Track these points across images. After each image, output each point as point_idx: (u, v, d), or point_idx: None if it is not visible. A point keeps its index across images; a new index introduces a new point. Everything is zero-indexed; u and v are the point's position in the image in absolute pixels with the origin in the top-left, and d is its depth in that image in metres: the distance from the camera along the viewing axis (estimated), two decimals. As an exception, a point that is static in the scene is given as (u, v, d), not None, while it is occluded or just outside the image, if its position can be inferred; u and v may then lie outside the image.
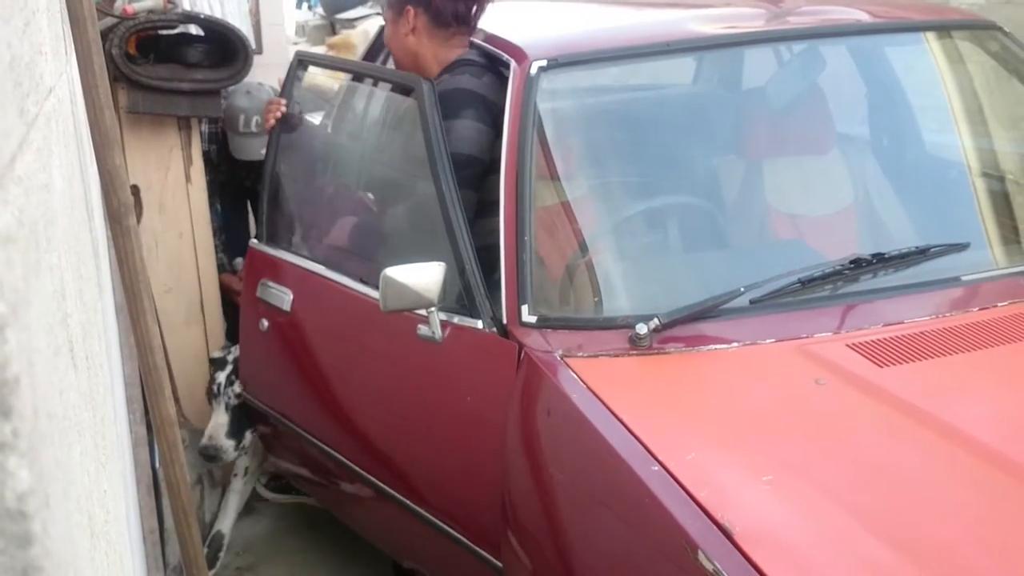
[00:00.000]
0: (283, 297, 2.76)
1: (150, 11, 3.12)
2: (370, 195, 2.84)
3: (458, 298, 2.18)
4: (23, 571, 0.52)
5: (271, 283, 2.83)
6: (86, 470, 0.82)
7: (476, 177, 2.39)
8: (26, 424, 0.53)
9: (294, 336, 2.77)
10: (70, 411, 0.75)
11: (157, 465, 2.44)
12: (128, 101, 3.08)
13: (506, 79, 2.37)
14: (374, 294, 2.13)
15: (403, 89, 2.60)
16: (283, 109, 2.88)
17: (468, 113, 2.41)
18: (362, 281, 2.48)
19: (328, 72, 3.29)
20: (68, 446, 0.71)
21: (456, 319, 2.16)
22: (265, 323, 2.82)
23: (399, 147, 2.66)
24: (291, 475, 3.18)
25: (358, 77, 3.07)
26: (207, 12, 4.07)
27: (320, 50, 6.88)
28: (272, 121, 2.90)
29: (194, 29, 3.30)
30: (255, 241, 2.98)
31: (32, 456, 0.52)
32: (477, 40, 2.62)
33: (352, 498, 2.75)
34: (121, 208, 1.85)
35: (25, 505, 0.52)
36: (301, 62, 3.03)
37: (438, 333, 2.09)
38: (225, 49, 3.24)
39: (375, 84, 3.00)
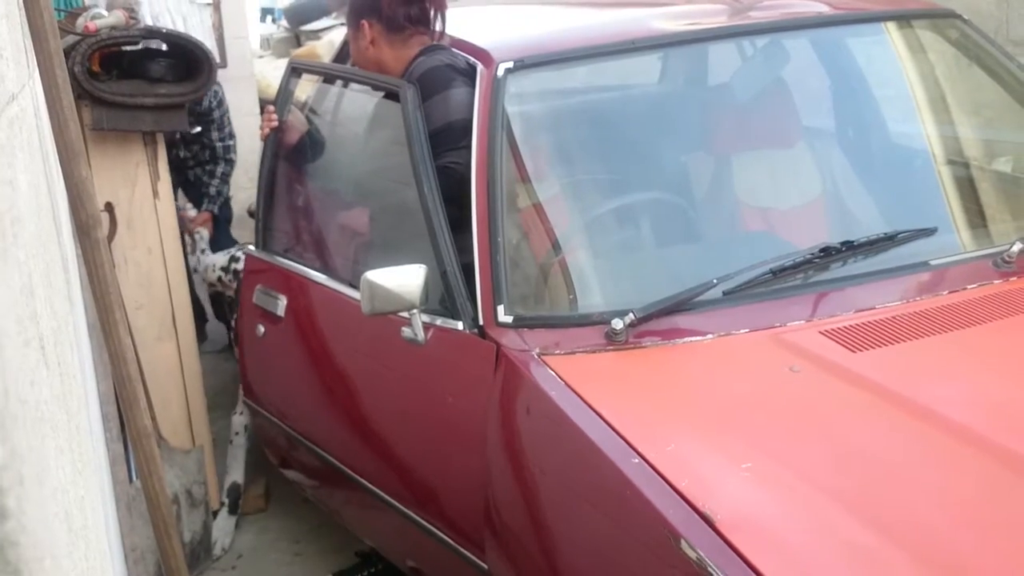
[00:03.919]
0: (277, 302, 2.79)
1: (112, 27, 3.10)
2: (355, 199, 2.85)
3: (441, 300, 2.18)
4: (-1, 545, 0.51)
5: (266, 289, 2.84)
6: (61, 467, 0.81)
7: None
8: (-3, 401, 0.52)
9: (288, 341, 2.78)
10: (42, 405, 0.75)
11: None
12: (92, 118, 3.06)
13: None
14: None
15: (388, 94, 2.61)
16: (275, 119, 2.89)
17: (458, 83, 2.44)
18: (350, 285, 2.48)
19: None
20: (41, 436, 0.70)
21: (439, 321, 2.17)
22: (261, 329, 2.84)
23: (384, 152, 2.68)
24: (292, 479, 3.18)
25: (345, 83, 3.07)
26: (170, 27, 4.06)
27: (285, 63, 6.83)
28: (267, 130, 2.90)
29: (157, 44, 3.29)
30: (251, 248, 3.00)
31: (4, 433, 0.51)
32: (443, 44, 2.62)
33: (349, 500, 2.76)
34: (89, 220, 1.84)
35: (-1, 479, 0.52)
36: (295, 70, 3.03)
37: (420, 335, 2.10)
38: (189, 63, 3.23)
39: (345, 86, 3.00)
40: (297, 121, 2.96)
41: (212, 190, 4.15)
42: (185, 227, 3.72)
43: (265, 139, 2.94)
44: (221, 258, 3.76)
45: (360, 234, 2.76)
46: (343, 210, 2.89)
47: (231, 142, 4.14)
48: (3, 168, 0.72)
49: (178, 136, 3.77)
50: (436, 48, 2.58)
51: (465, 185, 2.25)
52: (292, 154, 2.97)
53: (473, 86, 2.40)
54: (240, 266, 3.64)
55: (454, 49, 2.56)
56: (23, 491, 0.55)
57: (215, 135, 4.05)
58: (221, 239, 4.02)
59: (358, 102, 2.96)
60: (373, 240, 2.70)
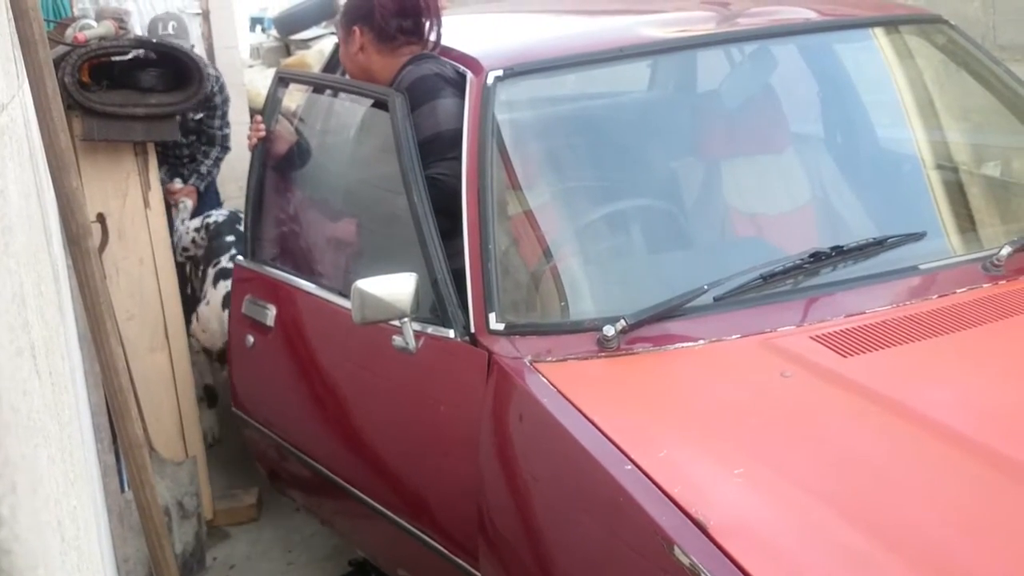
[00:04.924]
0: (266, 312, 2.78)
1: (102, 38, 3.10)
2: (344, 209, 2.85)
3: (432, 308, 2.18)
4: (-7, 552, 0.51)
5: (255, 299, 2.84)
6: (54, 477, 0.81)
7: None
8: (-11, 410, 0.52)
9: (278, 351, 2.78)
10: (34, 414, 0.75)
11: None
12: (83, 129, 3.06)
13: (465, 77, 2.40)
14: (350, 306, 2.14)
15: (377, 103, 2.61)
16: (262, 129, 2.89)
17: (447, 92, 2.44)
18: (340, 294, 2.48)
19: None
20: (34, 446, 0.70)
21: (430, 329, 2.17)
22: (250, 339, 2.83)
23: (373, 161, 2.67)
24: (283, 489, 3.17)
25: (334, 93, 3.07)
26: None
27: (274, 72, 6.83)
28: (255, 140, 2.90)
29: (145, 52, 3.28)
30: (240, 258, 3.00)
31: (-3, 441, 0.52)
32: (433, 53, 2.62)
33: (341, 510, 2.75)
34: (80, 230, 1.84)
35: (-8, 486, 0.52)
36: (282, 79, 3.03)
37: (411, 343, 2.10)
38: (179, 72, 3.23)
39: (335, 95, 3.00)
40: (285, 131, 2.96)
41: (203, 168, 4.17)
42: (169, 199, 3.83)
43: (253, 149, 2.94)
44: (196, 221, 3.84)
45: (348, 244, 2.76)
46: (332, 219, 2.89)
47: (228, 130, 4.19)
48: (-7, 178, 0.72)
49: (178, 119, 3.79)
50: (425, 57, 2.58)
51: (454, 196, 2.25)
52: (280, 164, 2.97)
53: (462, 96, 2.40)
54: (212, 221, 3.71)
55: (442, 58, 2.56)
56: (16, 499, 0.55)
57: (216, 123, 4.08)
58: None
59: (347, 111, 2.97)
60: (363, 249, 2.70)
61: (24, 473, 0.62)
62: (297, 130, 3.00)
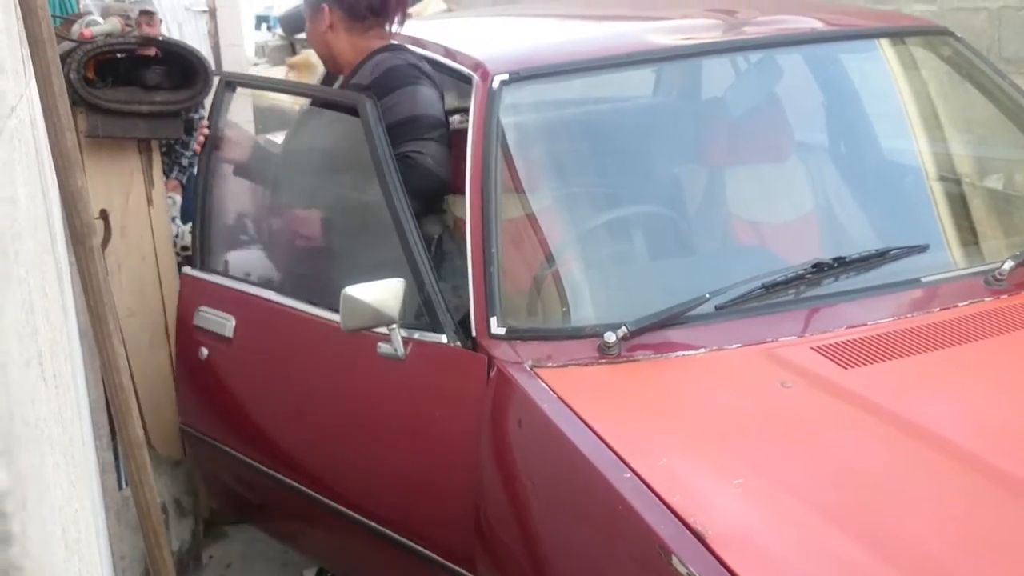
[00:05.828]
0: (224, 324, 2.70)
1: (108, 34, 3.10)
2: (318, 215, 2.80)
3: (417, 313, 2.17)
4: (3, 571, 0.51)
5: (209, 310, 2.76)
6: (58, 483, 0.82)
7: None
8: (2, 426, 0.53)
9: (239, 362, 2.71)
10: (41, 422, 0.75)
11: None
12: (87, 125, 3.06)
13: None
14: (328, 315, 2.11)
15: (346, 108, 2.54)
16: (206, 132, 2.88)
17: (424, 82, 2.50)
18: (311, 303, 2.44)
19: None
20: (41, 455, 0.70)
21: (417, 335, 2.15)
22: (204, 351, 2.76)
23: (346, 166, 2.65)
24: (239, 510, 3.11)
25: (293, 96, 3.06)
26: (165, 34, 4.05)
27: (280, 70, 6.86)
28: (201, 140, 2.90)
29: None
30: (189, 268, 2.91)
31: (9, 457, 0.52)
32: (437, 56, 2.63)
33: (313, 527, 2.68)
34: (84, 229, 1.84)
35: (4, 505, 0.52)
36: (228, 83, 3.03)
37: (400, 350, 2.08)
38: (184, 71, 3.23)
39: (297, 99, 3.00)
40: (237, 134, 2.95)
41: (185, 161, 4.10)
42: None
43: (199, 151, 2.92)
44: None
45: (322, 251, 2.71)
46: (302, 226, 2.80)
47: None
48: (5, 186, 0.72)
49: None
50: (398, 48, 2.63)
51: (426, 176, 2.31)
52: (237, 168, 2.95)
53: (437, 88, 2.46)
54: None
55: (451, 61, 2.57)
56: (26, 515, 0.55)
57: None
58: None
59: (311, 114, 2.95)
60: (339, 255, 2.65)
61: (33, 485, 0.62)
62: (251, 133, 2.98)
